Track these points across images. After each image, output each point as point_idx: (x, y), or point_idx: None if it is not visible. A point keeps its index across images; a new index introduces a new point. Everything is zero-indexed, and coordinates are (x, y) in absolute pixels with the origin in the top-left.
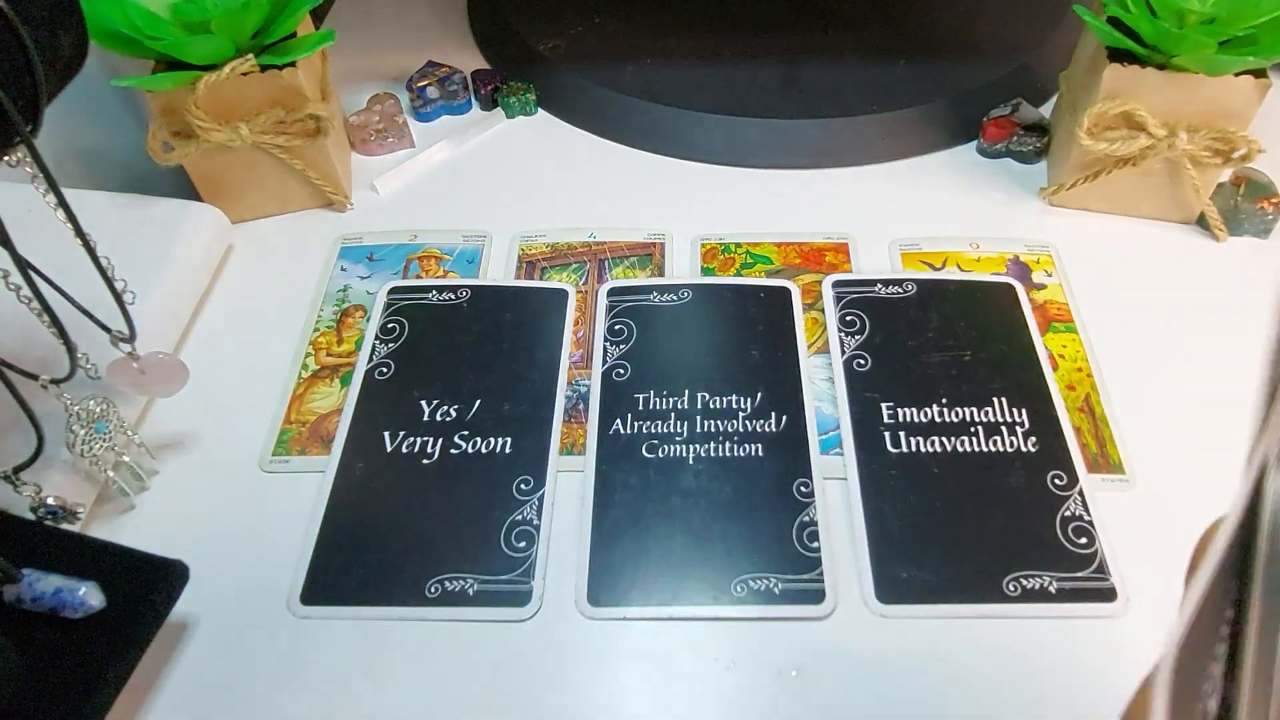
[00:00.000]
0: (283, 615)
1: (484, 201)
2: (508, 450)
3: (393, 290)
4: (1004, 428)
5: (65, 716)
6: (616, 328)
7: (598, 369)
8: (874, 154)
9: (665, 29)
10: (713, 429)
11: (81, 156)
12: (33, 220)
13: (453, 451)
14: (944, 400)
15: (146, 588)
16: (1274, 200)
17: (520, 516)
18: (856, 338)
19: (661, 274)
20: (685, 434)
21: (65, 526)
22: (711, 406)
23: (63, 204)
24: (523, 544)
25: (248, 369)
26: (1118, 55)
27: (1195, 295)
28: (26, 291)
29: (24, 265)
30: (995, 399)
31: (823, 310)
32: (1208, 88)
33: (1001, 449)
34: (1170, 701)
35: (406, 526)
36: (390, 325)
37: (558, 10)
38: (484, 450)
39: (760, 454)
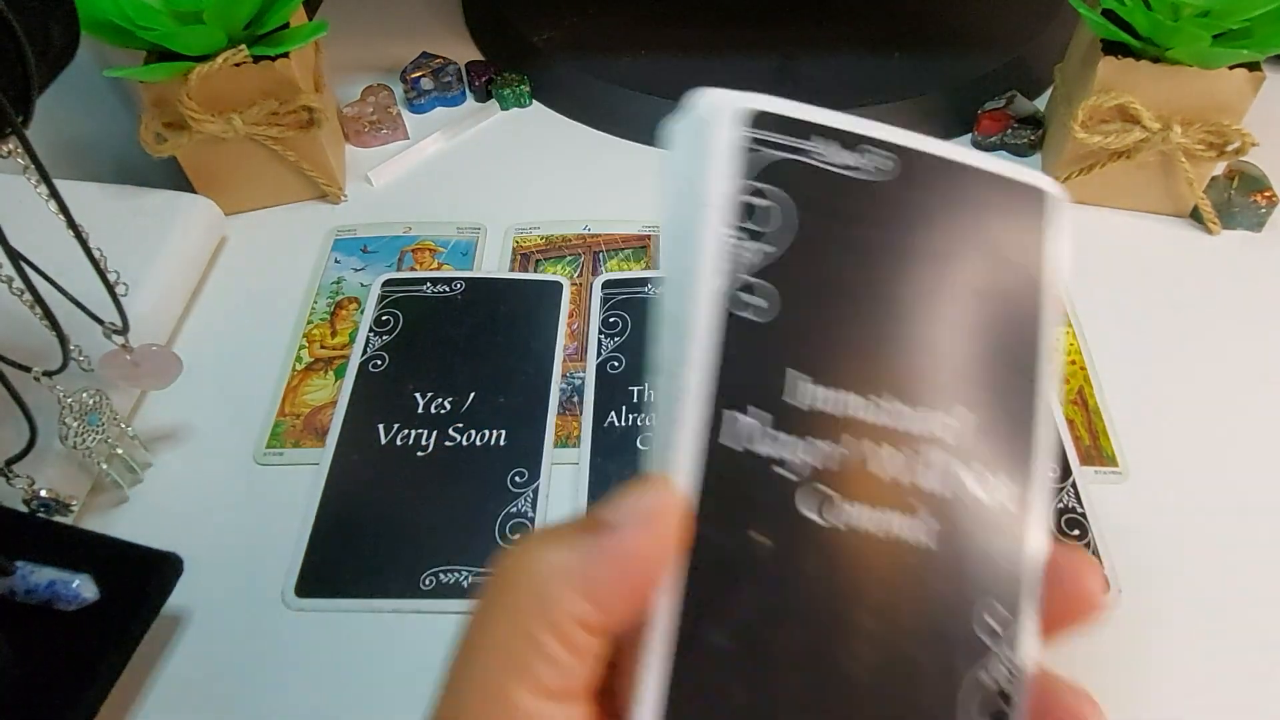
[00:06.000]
0: (277, 607)
1: (478, 194)
2: (502, 443)
3: (387, 282)
4: None
5: (59, 709)
6: (611, 320)
7: (592, 361)
8: None
9: (660, 20)
10: None
11: (73, 148)
12: (25, 212)
13: (447, 444)
14: None
15: (140, 580)
16: (1267, 194)
17: (515, 509)
18: None
19: (656, 266)
20: None
21: (59, 519)
22: None
23: (55, 195)
24: (517, 536)
25: (241, 361)
26: (1112, 48)
27: (1188, 288)
28: (19, 283)
29: (16, 257)
30: None
31: None
32: (1202, 81)
33: None
34: None
35: (401, 519)
36: (385, 317)
37: (552, 1)
38: (478, 443)
39: None
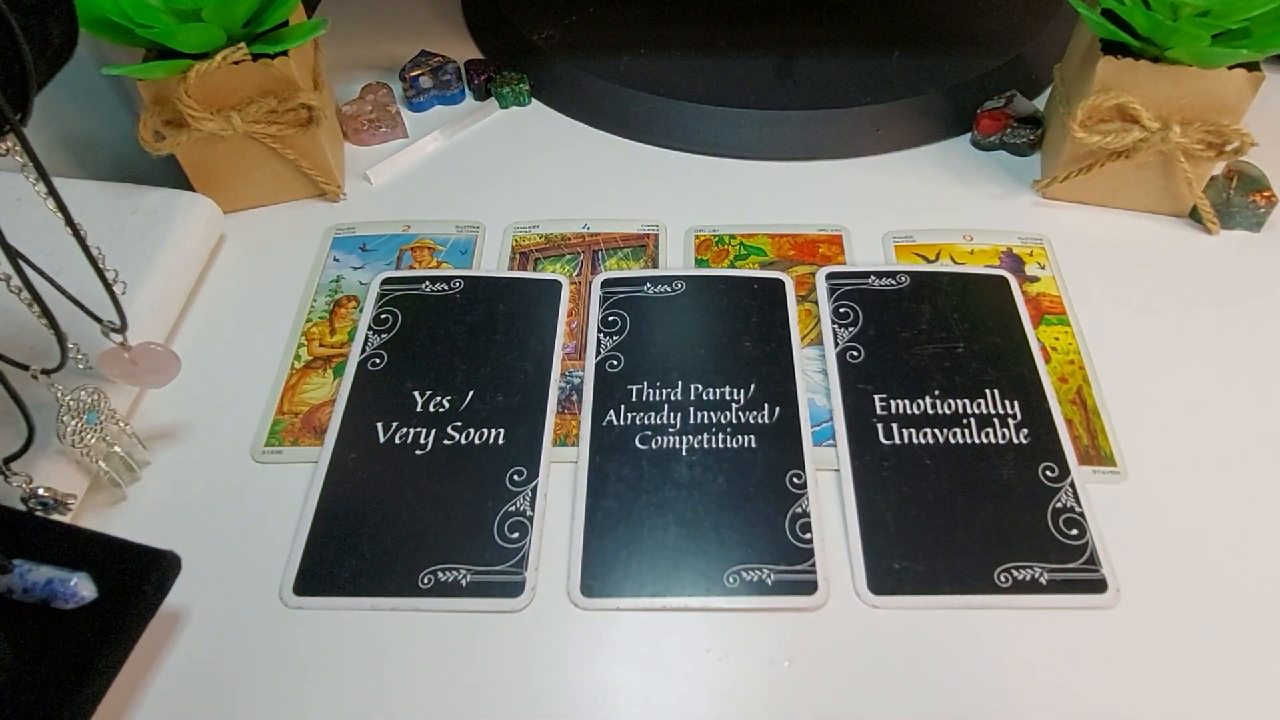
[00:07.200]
0: (275, 606)
1: (477, 192)
2: (501, 441)
3: (386, 281)
4: (996, 420)
5: (57, 707)
6: (610, 319)
7: (591, 360)
8: (868, 146)
9: (659, 19)
10: (706, 420)
11: (72, 145)
12: (23, 210)
13: (446, 442)
14: (936, 392)
15: (138, 578)
16: (1266, 194)
17: (513, 507)
18: (850, 330)
19: (655, 265)
20: (678, 425)
21: (56, 517)
22: (705, 398)
23: (53, 193)
24: (515, 535)
25: (240, 359)
26: (1112, 48)
27: (1187, 288)
28: (17, 282)
29: (14, 255)
30: (988, 391)
31: (816, 302)
32: (1201, 81)
33: (993, 441)
34: None
35: (399, 517)
36: (383, 316)
37: (552, 0)
38: (477, 441)
39: (753, 445)
